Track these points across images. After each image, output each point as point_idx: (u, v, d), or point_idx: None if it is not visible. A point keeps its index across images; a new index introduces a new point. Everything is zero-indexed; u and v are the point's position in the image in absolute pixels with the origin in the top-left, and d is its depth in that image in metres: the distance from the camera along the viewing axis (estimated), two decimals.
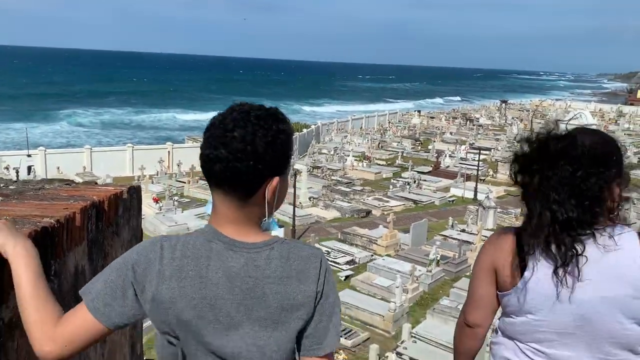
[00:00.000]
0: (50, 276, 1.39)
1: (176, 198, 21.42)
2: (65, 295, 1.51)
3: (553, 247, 1.39)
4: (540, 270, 1.41)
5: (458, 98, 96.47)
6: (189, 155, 25.83)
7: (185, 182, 23.51)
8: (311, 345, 1.13)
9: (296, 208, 19.13)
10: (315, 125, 39.36)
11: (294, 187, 18.94)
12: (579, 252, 1.37)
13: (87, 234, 1.73)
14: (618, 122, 52.87)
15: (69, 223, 1.53)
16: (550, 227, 1.39)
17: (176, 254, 1.10)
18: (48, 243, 1.36)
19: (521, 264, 1.44)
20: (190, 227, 18.20)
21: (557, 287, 1.39)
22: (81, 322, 1.09)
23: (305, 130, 36.59)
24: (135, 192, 2.48)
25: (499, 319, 1.60)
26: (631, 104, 73.48)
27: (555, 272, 1.39)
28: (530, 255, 1.42)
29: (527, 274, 1.42)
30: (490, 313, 1.57)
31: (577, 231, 1.37)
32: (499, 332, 1.58)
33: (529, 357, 1.48)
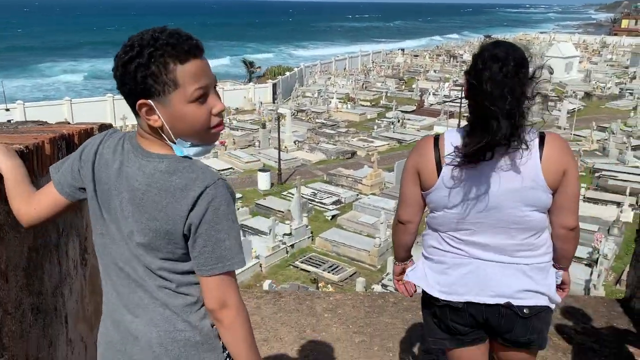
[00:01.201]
0: None
1: None
2: None
3: (466, 151, 1.57)
4: (453, 171, 1.61)
5: (442, 36, 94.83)
6: None
7: None
8: (198, 266, 1.19)
9: (281, 152, 19.22)
10: (298, 68, 38.80)
11: (278, 131, 18.97)
12: (489, 154, 1.55)
13: None
14: (601, 53, 52.66)
15: (39, 150, 1.64)
16: (469, 135, 1.56)
17: (110, 143, 1.29)
18: None
19: (438, 166, 1.64)
20: None
21: (467, 184, 1.60)
22: (48, 190, 1.36)
23: (288, 74, 36.13)
24: (106, 129, 2.58)
25: (427, 215, 1.81)
26: (615, 34, 72.92)
27: (465, 172, 1.58)
28: (445, 158, 1.62)
29: (442, 174, 1.63)
30: (418, 210, 1.77)
31: (490, 138, 1.53)
32: (427, 226, 1.79)
33: (449, 244, 1.71)
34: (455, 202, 1.63)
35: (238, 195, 16.77)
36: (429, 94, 30.37)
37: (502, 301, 1.65)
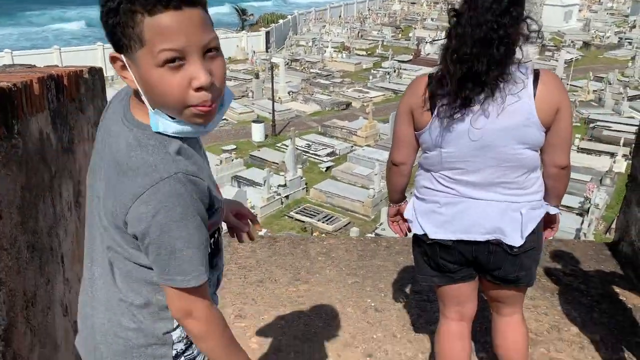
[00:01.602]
0: (14, 135, 1.50)
1: None
2: (33, 156, 1.64)
3: (458, 89, 1.56)
4: (447, 110, 1.59)
5: None
6: None
7: None
8: (155, 272, 1.02)
9: (275, 103, 19.04)
10: (292, 15, 37.88)
11: (272, 81, 18.72)
12: (481, 91, 1.54)
13: (48, 104, 1.82)
14: (601, 1, 51.54)
15: (27, 89, 1.62)
16: (461, 71, 1.54)
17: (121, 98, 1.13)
18: (7, 103, 1.46)
19: (432, 106, 1.63)
20: None
21: (460, 123, 1.59)
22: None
23: (281, 21, 35.31)
24: (97, 73, 2.53)
25: (420, 156, 1.81)
26: None
27: (458, 110, 1.57)
28: (438, 97, 1.60)
29: (435, 114, 1.62)
30: (411, 151, 1.77)
31: (481, 73, 1.52)
32: (420, 167, 1.80)
33: (441, 183, 1.72)
34: (448, 141, 1.63)
35: (232, 146, 16.74)
36: (426, 43, 29.83)
37: (491, 238, 1.68)
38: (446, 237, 1.72)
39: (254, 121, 18.10)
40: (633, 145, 3.53)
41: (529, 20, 1.55)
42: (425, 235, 1.77)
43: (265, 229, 11.70)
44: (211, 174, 1.12)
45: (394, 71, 24.52)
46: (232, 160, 15.26)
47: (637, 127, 3.62)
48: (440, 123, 1.61)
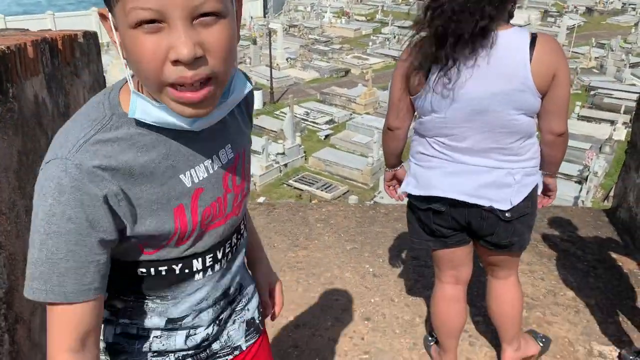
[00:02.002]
0: (9, 98, 1.48)
1: None
2: (29, 120, 1.62)
3: (452, 53, 1.53)
4: (441, 74, 1.57)
5: None
6: None
7: None
8: None
9: (273, 70, 18.84)
10: None
11: (270, 47, 18.46)
12: (475, 56, 1.52)
13: (43, 67, 1.79)
14: None
15: (21, 52, 1.59)
16: (453, 35, 1.52)
17: None
18: (1, 66, 1.44)
19: (426, 70, 1.60)
20: None
21: (455, 88, 1.57)
22: None
23: None
24: (91, 38, 2.49)
25: (415, 121, 1.80)
26: None
27: (452, 75, 1.55)
28: (431, 60, 1.58)
29: (430, 79, 1.60)
30: (407, 116, 1.76)
31: (472, 38, 1.50)
32: (415, 133, 1.79)
33: (435, 148, 1.71)
34: (443, 106, 1.61)
35: None
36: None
37: (484, 203, 1.67)
38: (438, 194, 1.72)
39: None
40: (633, 112, 3.51)
41: None
42: (417, 197, 1.77)
43: (264, 197, 11.75)
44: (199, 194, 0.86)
45: (394, 37, 24.20)
46: None
47: (638, 94, 3.59)
48: (435, 88, 1.60)
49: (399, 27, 25.78)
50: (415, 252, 3.01)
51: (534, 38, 1.55)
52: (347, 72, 21.17)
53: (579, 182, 11.91)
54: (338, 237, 3.25)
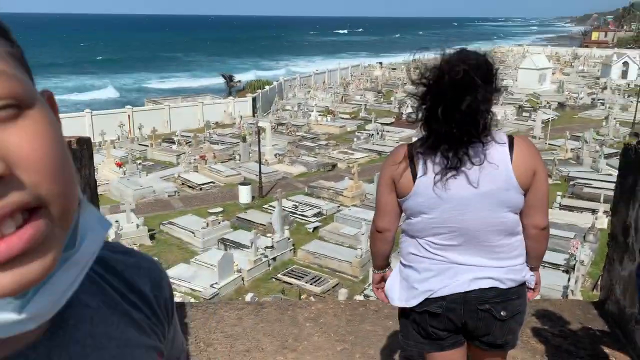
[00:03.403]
0: None
1: (139, 162, 21.20)
2: None
3: (439, 157, 1.64)
4: (429, 177, 1.66)
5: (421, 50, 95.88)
6: (150, 118, 25.42)
7: (148, 145, 23.23)
8: None
9: (262, 165, 19.22)
10: (277, 82, 38.94)
11: (259, 144, 18.97)
12: (461, 159, 1.62)
13: None
14: (573, 64, 53.92)
15: None
16: (442, 141, 1.62)
17: None
18: None
19: (413, 174, 1.69)
20: (156, 189, 18.16)
21: (443, 189, 1.65)
22: None
23: (267, 87, 36.22)
24: (85, 143, 2.60)
25: (403, 222, 1.85)
26: (586, 46, 74.87)
27: (441, 177, 1.65)
28: (420, 165, 1.68)
29: (418, 181, 1.68)
30: (394, 218, 1.82)
31: (461, 143, 1.60)
32: (404, 233, 1.83)
33: (426, 249, 1.75)
34: (431, 207, 1.68)
35: (218, 209, 16.72)
36: (407, 106, 30.69)
37: (483, 285, 1.70)
38: (435, 295, 1.73)
39: (240, 183, 18.19)
40: (611, 203, 3.63)
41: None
42: (416, 305, 1.78)
43: (252, 293, 11.50)
44: None
45: (377, 133, 25.08)
46: (219, 222, 15.19)
47: (614, 188, 3.74)
48: (423, 190, 1.67)
49: (381, 124, 26.83)
50: (408, 352, 2.95)
51: (511, 140, 1.68)
52: (334, 166, 21.66)
53: (566, 271, 11.89)
54: (328, 337, 3.19)
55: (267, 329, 3.27)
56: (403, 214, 1.82)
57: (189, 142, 23.56)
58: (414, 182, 1.69)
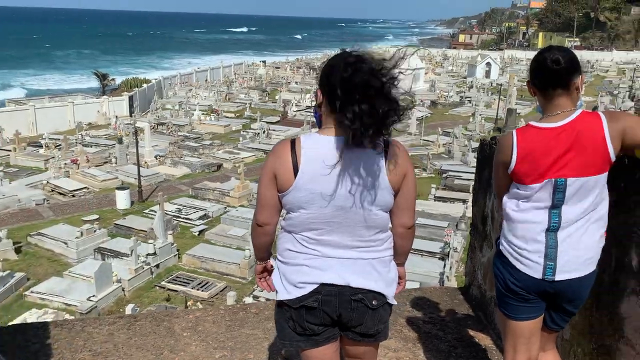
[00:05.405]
0: None
1: (1, 168, 19.22)
2: None
3: (322, 154, 1.69)
4: (309, 173, 1.70)
5: (306, 50, 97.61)
6: (12, 120, 23.12)
7: (10, 150, 21.10)
8: None
9: (141, 168, 18.32)
10: (156, 79, 37.35)
11: (137, 146, 18.04)
12: (342, 157, 1.67)
13: None
14: (443, 65, 58.06)
15: None
16: (326, 140, 1.70)
17: None
18: None
19: (295, 169, 1.72)
20: (21, 198, 16.55)
21: (323, 185, 1.70)
22: None
23: (145, 86, 34.59)
24: None
25: (283, 219, 1.86)
26: (454, 48, 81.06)
27: (321, 173, 1.69)
28: (302, 160, 1.71)
29: (298, 176, 1.71)
30: (274, 212, 1.83)
31: (346, 142, 1.66)
32: (282, 229, 1.87)
33: (302, 244, 1.80)
34: (310, 203, 1.72)
35: (94, 216, 15.67)
36: (292, 105, 31.03)
37: (351, 284, 1.76)
38: (309, 289, 1.77)
39: (118, 188, 17.16)
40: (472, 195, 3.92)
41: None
42: (292, 300, 1.79)
43: (134, 304, 10.92)
44: None
45: (263, 132, 25.04)
46: (95, 231, 14.22)
47: (473, 182, 4.04)
48: (303, 185, 1.71)
49: (267, 122, 26.83)
50: (287, 353, 2.95)
51: (386, 143, 1.74)
52: (219, 166, 21.24)
53: (442, 259, 12.77)
54: (206, 345, 3.09)
55: (140, 343, 3.09)
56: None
57: (59, 145, 21.76)
58: (295, 177, 1.71)
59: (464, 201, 16.31)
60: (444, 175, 19.24)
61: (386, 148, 1.73)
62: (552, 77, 1.87)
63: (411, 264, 12.40)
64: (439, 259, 12.93)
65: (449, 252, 12.63)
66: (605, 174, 1.88)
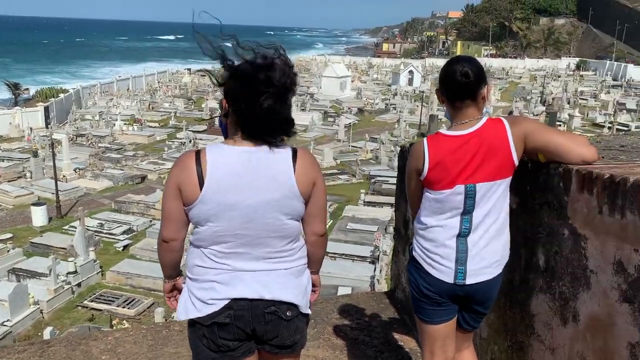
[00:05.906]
0: None
1: None
2: None
3: (228, 164, 1.65)
4: (215, 185, 1.65)
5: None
6: None
7: None
8: None
9: (59, 182, 17.37)
10: (74, 89, 35.61)
11: (53, 159, 17.09)
12: (249, 167, 1.65)
13: None
14: (368, 73, 59.49)
15: None
16: (232, 149, 1.68)
17: None
18: None
19: (200, 180, 1.66)
20: None
21: (230, 196, 1.66)
22: None
23: (62, 96, 32.89)
24: None
25: (191, 234, 1.81)
26: (378, 56, 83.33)
27: (228, 185, 1.65)
28: (208, 172, 1.66)
29: (204, 189, 1.65)
30: (181, 227, 1.77)
31: (252, 151, 1.65)
32: (190, 244, 1.81)
33: (211, 259, 1.73)
34: (217, 215, 1.66)
35: (7, 235, 14.65)
36: (219, 113, 30.57)
37: (265, 296, 1.73)
38: (220, 305, 1.71)
39: (33, 204, 16.16)
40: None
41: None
42: (203, 317, 1.73)
43: (52, 327, 10.29)
44: None
45: (190, 141, 24.49)
46: (8, 250, 13.30)
47: (395, 188, 4.13)
48: (209, 198, 1.65)
49: (193, 131, 26.26)
50: None
51: (294, 152, 1.73)
52: (143, 178, 20.53)
53: (373, 262, 12.99)
54: None
55: None
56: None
57: None
58: (201, 189, 1.65)
59: (392, 205, 16.74)
60: (373, 180, 19.64)
61: (294, 157, 1.72)
62: (461, 89, 1.93)
63: (342, 269, 12.54)
64: (370, 262, 13.15)
65: (379, 255, 12.88)
66: (510, 178, 1.97)
